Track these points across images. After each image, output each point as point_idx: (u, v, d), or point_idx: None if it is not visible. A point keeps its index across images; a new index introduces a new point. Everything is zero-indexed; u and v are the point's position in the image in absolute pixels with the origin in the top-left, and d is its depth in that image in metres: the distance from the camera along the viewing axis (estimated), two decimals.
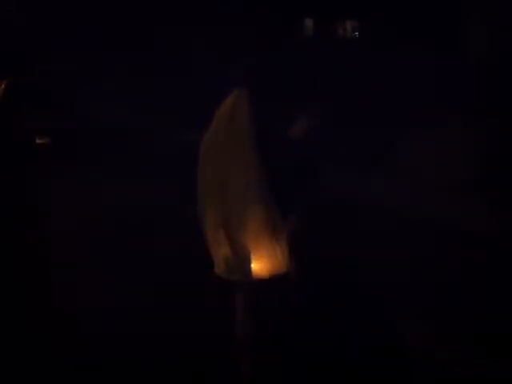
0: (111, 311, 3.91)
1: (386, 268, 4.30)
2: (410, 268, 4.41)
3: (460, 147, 6.68)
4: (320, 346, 3.39)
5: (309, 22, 10.27)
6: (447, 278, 4.35)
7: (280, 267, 2.98)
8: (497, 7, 8.06)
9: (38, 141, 8.07)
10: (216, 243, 2.99)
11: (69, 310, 3.97)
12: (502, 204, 5.70)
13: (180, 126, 8.20)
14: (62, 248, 4.88)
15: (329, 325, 3.56)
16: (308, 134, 3.28)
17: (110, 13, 10.89)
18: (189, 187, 3.10)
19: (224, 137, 2.95)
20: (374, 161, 6.85)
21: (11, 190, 6.25)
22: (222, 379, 3.33)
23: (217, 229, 2.96)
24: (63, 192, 6.28)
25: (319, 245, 3.47)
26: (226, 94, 3.01)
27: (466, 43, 8.45)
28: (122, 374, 3.38)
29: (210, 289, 3.50)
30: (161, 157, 7.18)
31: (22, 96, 8.50)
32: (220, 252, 2.99)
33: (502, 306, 3.93)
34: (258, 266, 2.96)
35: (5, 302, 4.07)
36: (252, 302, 3.09)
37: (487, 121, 6.99)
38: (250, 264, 2.97)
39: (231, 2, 10.03)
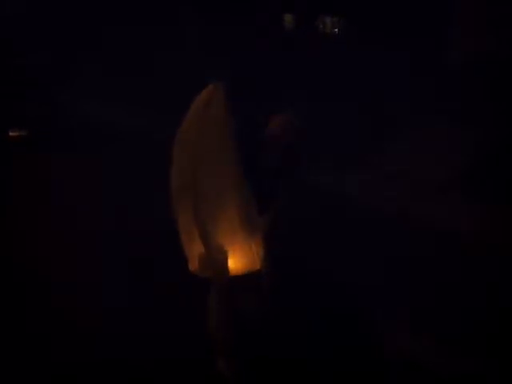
0: (83, 311, 3.86)
1: (365, 267, 4.29)
2: (389, 267, 4.40)
3: (444, 147, 6.73)
4: (295, 344, 3.38)
5: (288, 18, 10.25)
6: (429, 278, 4.35)
7: (254, 264, 2.96)
8: (483, 7, 8.11)
9: (11, 134, 7.91)
10: (190, 240, 2.96)
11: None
12: (486, 203, 5.74)
13: (155, 122, 8.12)
14: (30, 245, 4.80)
15: (303, 323, 3.54)
16: (285, 132, 3.26)
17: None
18: (162, 184, 3.06)
19: (197, 134, 2.89)
20: (353, 160, 6.85)
21: None
22: (197, 379, 3.30)
23: (190, 226, 2.93)
24: (36, 187, 6.16)
25: (295, 242, 3.45)
26: (201, 89, 2.96)
27: (449, 41, 8.49)
28: (96, 374, 3.34)
29: (185, 287, 3.47)
30: (136, 151, 7.08)
31: None
32: (194, 249, 2.96)
33: (487, 305, 3.95)
34: (233, 262, 2.94)
35: None
36: (226, 300, 3.07)
37: (472, 120, 7.04)
38: (225, 261, 2.94)
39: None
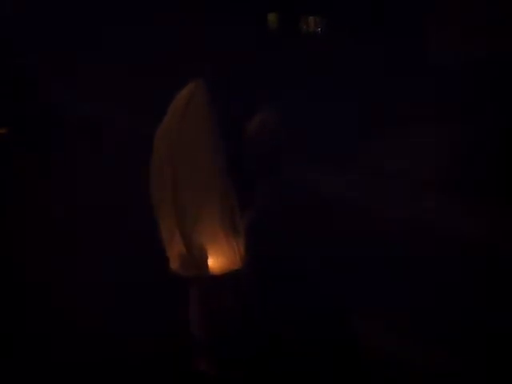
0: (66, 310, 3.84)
1: (355, 267, 4.28)
2: (376, 268, 4.40)
3: (434, 146, 6.74)
4: (275, 344, 3.37)
5: (272, 17, 10.26)
6: (418, 278, 4.35)
7: (235, 263, 2.95)
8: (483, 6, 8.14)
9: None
10: (171, 239, 2.93)
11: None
12: (478, 203, 5.76)
13: (139, 118, 8.07)
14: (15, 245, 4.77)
15: (286, 324, 3.53)
16: (268, 130, 3.26)
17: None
18: (143, 183, 3.03)
19: (178, 133, 2.86)
20: (339, 159, 6.85)
21: None
22: (180, 378, 3.28)
23: (171, 225, 2.90)
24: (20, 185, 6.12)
25: (277, 242, 3.44)
26: (181, 87, 2.93)
27: (432, 41, 8.53)
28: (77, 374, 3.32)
29: (166, 286, 3.44)
30: (118, 150, 7.04)
31: None
32: (175, 248, 2.94)
33: (475, 306, 3.96)
34: (213, 261, 2.92)
35: None
36: (206, 299, 3.06)
37: (471, 120, 7.06)
38: (206, 260, 2.92)
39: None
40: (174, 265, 2.98)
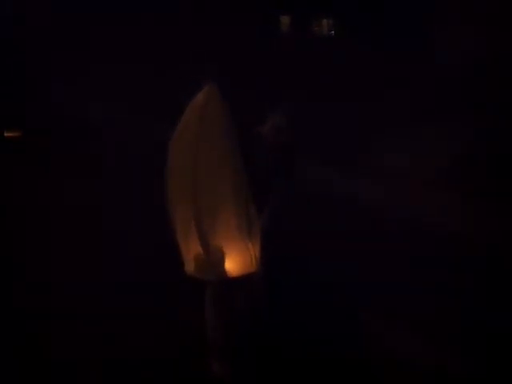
0: (81, 310, 3.84)
1: (360, 267, 4.28)
2: (386, 267, 4.38)
3: (436, 145, 6.72)
4: (289, 344, 3.38)
5: (285, 20, 10.25)
6: (426, 277, 4.34)
7: (251, 266, 2.95)
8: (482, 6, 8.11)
9: (6, 134, 7.85)
10: (186, 242, 2.94)
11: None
12: (486, 202, 5.73)
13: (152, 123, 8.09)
14: (32, 246, 4.79)
15: (298, 324, 3.55)
16: (282, 132, 3.27)
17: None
18: (158, 186, 3.04)
19: (194, 137, 2.86)
20: (351, 160, 6.84)
21: None
22: (192, 380, 3.28)
23: (187, 228, 2.90)
24: (33, 187, 6.13)
25: (291, 244, 3.44)
26: (197, 91, 2.93)
27: (444, 43, 8.50)
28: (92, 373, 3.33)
29: (181, 288, 3.45)
30: (132, 154, 7.05)
31: None
32: (190, 251, 2.94)
33: (478, 304, 3.94)
34: (230, 264, 2.92)
35: None
36: (222, 301, 3.06)
37: (464, 119, 7.03)
38: (223, 262, 2.92)
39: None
40: (190, 268, 2.98)
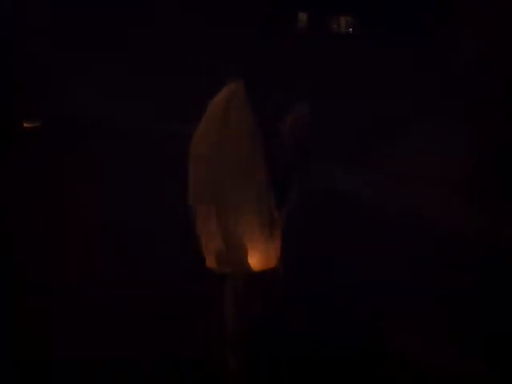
0: (100, 310, 3.83)
1: (376, 266, 4.28)
2: (402, 267, 4.38)
3: (449, 146, 6.70)
4: (306, 341, 3.39)
5: (303, 17, 10.26)
6: (431, 277, 4.33)
7: (272, 261, 2.98)
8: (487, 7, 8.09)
9: (26, 124, 7.89)
10: (208, 236, 2.96)
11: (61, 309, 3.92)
12: (491, 202, 5.70)
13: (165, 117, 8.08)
14: (50, 242, 4.80)
15: (316, 322, 3.55)
16: (300, 130, 3.28)
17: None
18: (178, 183, 3.06)
19: (218, 134, 2.87)
20: (365, 158, 6.84)
21: None
22: (211, 376, 3.29)
23: (209, 223, 2.92)
24: (48, 180, 6.15)
25: (310, 240, 3.45)
26: (220, 87, 2.94)
27: (458, 40, 8.47)
28: (110, 373, 3.35)
29: (200, 284, 3.45)
30: (150, 150, 7.05)
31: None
32: (212, 245, 2.97)
33: (484, 305, 3.93)
34: (251, 258, 2.94)
35: None
36: (242, 296, 3.08)
37: (476, 119, 7.00)
38: (245, 256, 2.94)
39: None
40: (211, 262, 3.01)
